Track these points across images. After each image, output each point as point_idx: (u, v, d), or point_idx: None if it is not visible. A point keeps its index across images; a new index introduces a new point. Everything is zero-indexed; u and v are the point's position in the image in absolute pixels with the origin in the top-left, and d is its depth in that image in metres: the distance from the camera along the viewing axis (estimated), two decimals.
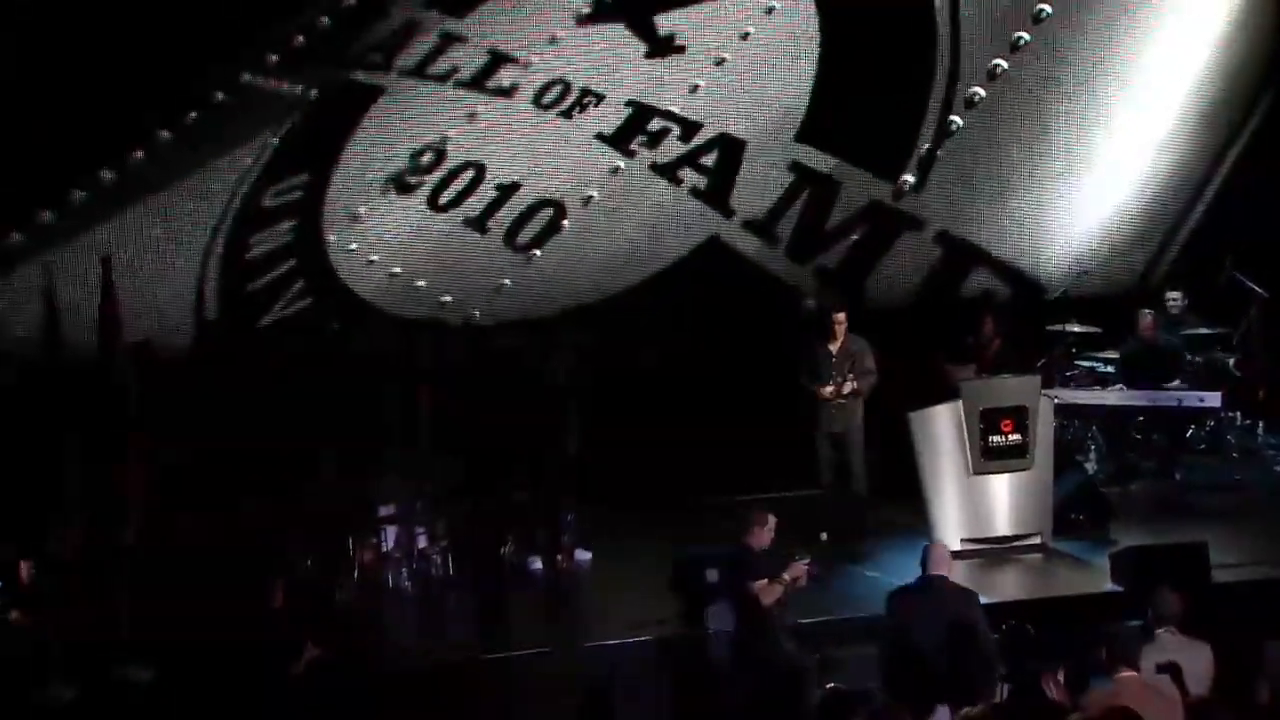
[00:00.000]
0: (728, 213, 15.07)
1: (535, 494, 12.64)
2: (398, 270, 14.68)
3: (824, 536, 12.09)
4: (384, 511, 12.30)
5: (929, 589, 9.62)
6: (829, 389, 12.32)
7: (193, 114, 14.33)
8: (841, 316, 12.46)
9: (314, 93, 14.63)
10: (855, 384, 12.29)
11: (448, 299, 14.67)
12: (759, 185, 15.07)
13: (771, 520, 9.91)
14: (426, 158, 14.80)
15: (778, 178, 15.07)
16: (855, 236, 15.08)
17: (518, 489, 12.68)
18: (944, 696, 8.64)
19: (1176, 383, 13.76)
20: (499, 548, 12.42)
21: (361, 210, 14.66)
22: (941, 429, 11.98)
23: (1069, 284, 14.52)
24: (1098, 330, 14.00)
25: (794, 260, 15.07)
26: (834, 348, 12.48)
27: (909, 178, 15.13)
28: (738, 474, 13.07)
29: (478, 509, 12.44)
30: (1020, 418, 11.92)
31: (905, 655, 9.33)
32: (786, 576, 9.75)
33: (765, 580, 9.68)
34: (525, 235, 14.91)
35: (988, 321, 13.40)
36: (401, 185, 14.73)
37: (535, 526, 12.64)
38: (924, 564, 9.68)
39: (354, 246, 14.62)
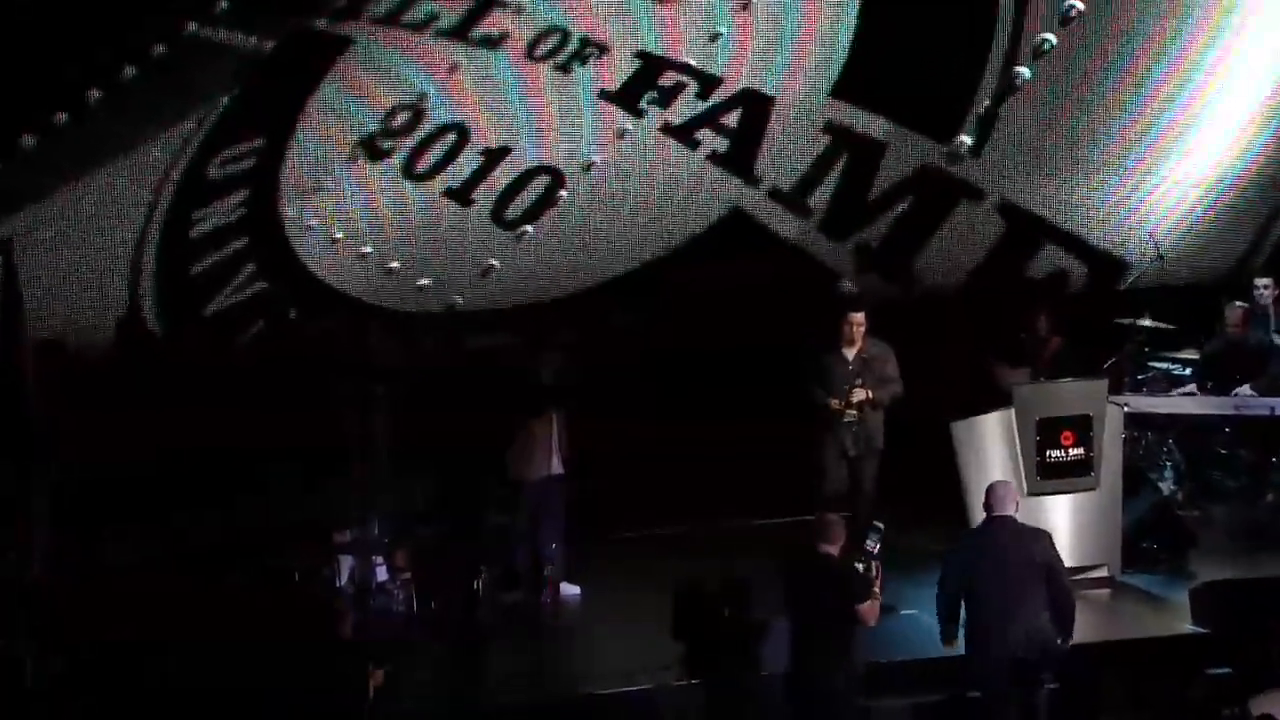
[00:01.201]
0: (752, 181, 14.91)
1: (515, 517, 12.42)
2: (368, 250, 14.65)
3: None
4: (337, 538, 12.01)
5: (996, 531, 9.68)
6: (835, 403, 11.91)
7: (127, 70, 14.48)
8: (860, 318, 11.98)
9: (269, 45, 14.81)
10: (869, 393, 11.84)
11: (425, 283, 14.59)
12: (789, 149, 14.94)
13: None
14: (401, 119, 14.85)
15: (811, 140, 14.92)
16: (902, 208, 14.85)
17: (494, 511, 12.48)
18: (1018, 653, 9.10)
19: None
20: (472, 581, 11.89)
21: (325, 180, 14.75)
22: (990, 442, 11.73)
23: (1142, 271, 14.32)
24: (1175, 326, 13.73)
25: (830, 236, 14.87)
26: (849, 353, 12.03)
27: (965, 139, 14.83)
28: (753, 493, 12.96)
29: (447, 535, 12.24)
30: (1083, 429, 11.70)
31: (975, 611, 9.49)
32: (879, 591, 9.68)
33: (869, 601, 9.61)
34: (516, 209, 14.82)
35: (1045, 315, 13.23)
36: (372, 151, 14.76)
37: (515, 556, 12.41)
38: (988, 504, 9.74)
39: (315, 222, 14.70)
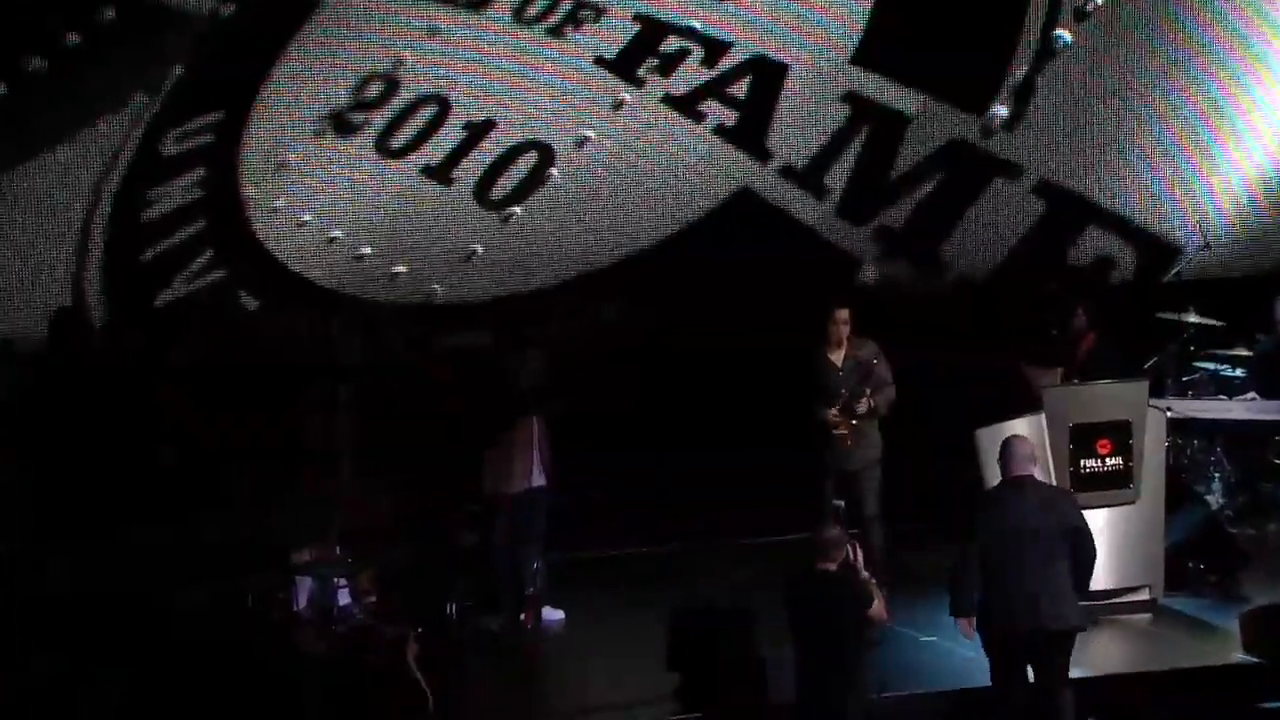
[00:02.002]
0: (763, 157, 14.89)
1: (493, 534, 12.31)
2: (337, 234, 14.65)
3: None
4: (295, 558, 11.70)
5: (1016, 493, 9.79)
6: (834, 412, 11.74)
7: (73, 37, 14.66)
8: (845, 315, 11.83)
9: (229, 8, 14.94)
10: (872, 401, 11.76)
11: (401, 271, 14.59)
12: (804, 122, 14.92)
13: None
14: (374, 89, 14.94)
15: (828, 112, 14.91)
16: (929, 188, 14.78)
17: (470, 527, 12.45)
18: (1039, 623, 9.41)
19: None
20: (444, 606, 11.83)
21: (290, 158, 14.83)
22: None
23: (1188, 261, 14.13)
24: (1223, 323, 13.60)
25: (849, 219, 14.80)
26: (836, 357, 11.92)
27: (1000, 111, 14.78)
28: (755, 508, 12.96)
29: (417, 554, 12.21)
30: (1121, 436, 11.63)
31: (993, 579, 9.64)
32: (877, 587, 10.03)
33: (875, 601, 9.85)
34: (502, 189, 14.81)
35: (1080, 309, 13.08)
36: (342, 125, 14.84)
37: (493, 577, 12.30)
38: (1004, 464, 9.89)
39: (280, 203, 14.78)
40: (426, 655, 10.84)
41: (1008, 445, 9.96)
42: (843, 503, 11.75)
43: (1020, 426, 11.39)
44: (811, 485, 11.97)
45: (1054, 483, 11.26)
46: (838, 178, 14.80)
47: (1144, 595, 11.74)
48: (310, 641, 11.40)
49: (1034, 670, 9.68)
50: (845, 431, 11.71)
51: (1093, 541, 9.87)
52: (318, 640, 11.34)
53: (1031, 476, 9.88)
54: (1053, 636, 9.58)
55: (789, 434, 12.23)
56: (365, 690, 10.77)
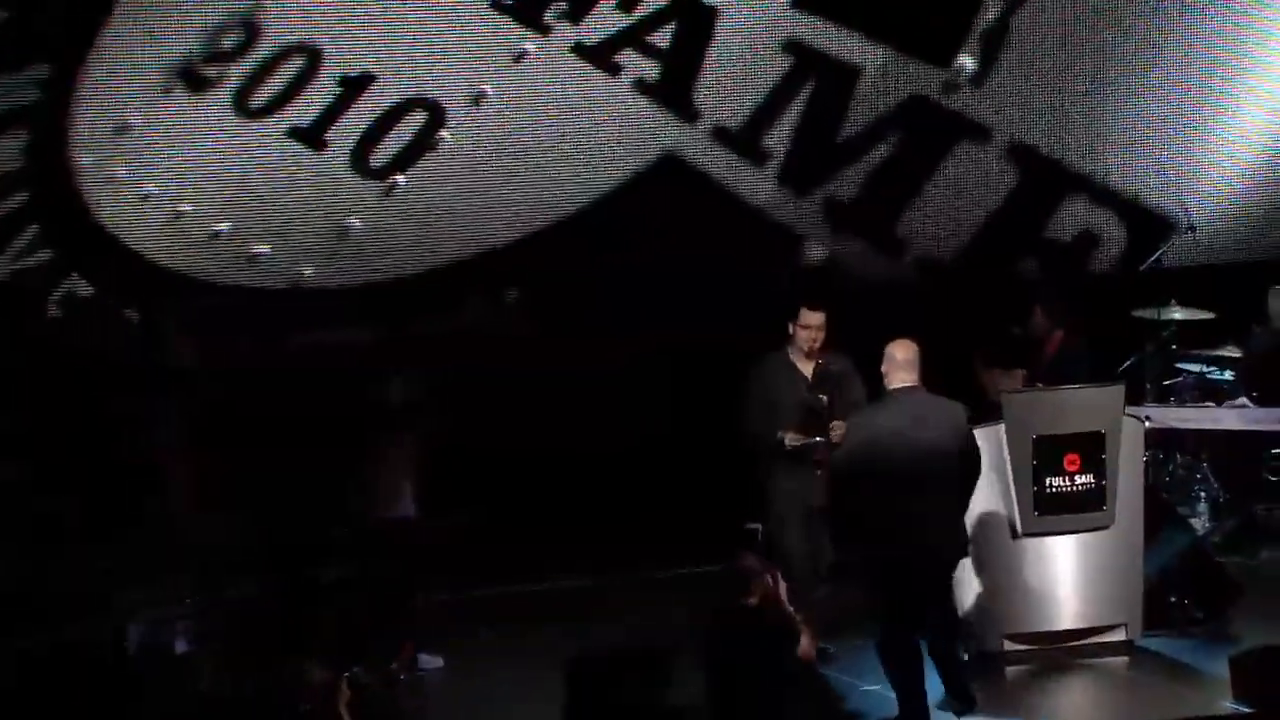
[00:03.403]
0: (690, 116, 14.73)
1: (359, 568, 12.14)
2: (187, 208, 14.43)
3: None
4: (127, 600, 11.90)
5: (900, 405, 10.14)
6: (793, 438, 11.33)
7: None
8: (819, 319, 11.43)
9: None
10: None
11: (263, 250, 14.49)
12: (738, 76, 14.75)
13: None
14: (231, 38, 14.63)
15: (766, 63, 14.75)
16: (883, 153, 14.75)
17: (332, 560, 12.25)
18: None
19: None
20: (301, 654, 10.94)
21: (131, 119, 14.50)
22: None
23: (1168, 245, 14.21)
24: (1210, 316, 13.69)
25: (791, 188, 14.74)
26: (806, 369, 11.57)
27: (967, 62, 14.74)
28: (671, 535, 13.03)
29: (269, 593, 12.16)
30: (1093, 450, 11.49)
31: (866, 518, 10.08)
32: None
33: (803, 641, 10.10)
34: (383, 153, 14.60)
35: (1042, 304, 13.18)
36: (193, 79, 14.50)
37: (358, 620, 11.99)
38: (887, 373, 10.21)
39: (119, 173, 14.54)
40: (359, 701, 10.55)
41: (889, 353, 10.21)
42: (759, 526, 11.55)
43: (977, 438, 11.14)
44: (737, 513, 11.74)
45: (1015, 506, 11.33)
46: (778, 141, 14.76)
47: (1119, 635, 11.65)
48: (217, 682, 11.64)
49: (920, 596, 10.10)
50: (821, 458, 11.40)
51: (980, 458, 10.38)
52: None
53: (919, 387, 10.17)
54: (944, 563, 10.11)
55: (714, 453, 12.22)
56: None
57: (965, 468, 10.26)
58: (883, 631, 10.18)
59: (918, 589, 10.12)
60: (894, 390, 10.19)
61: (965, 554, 10.35)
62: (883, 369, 10.25)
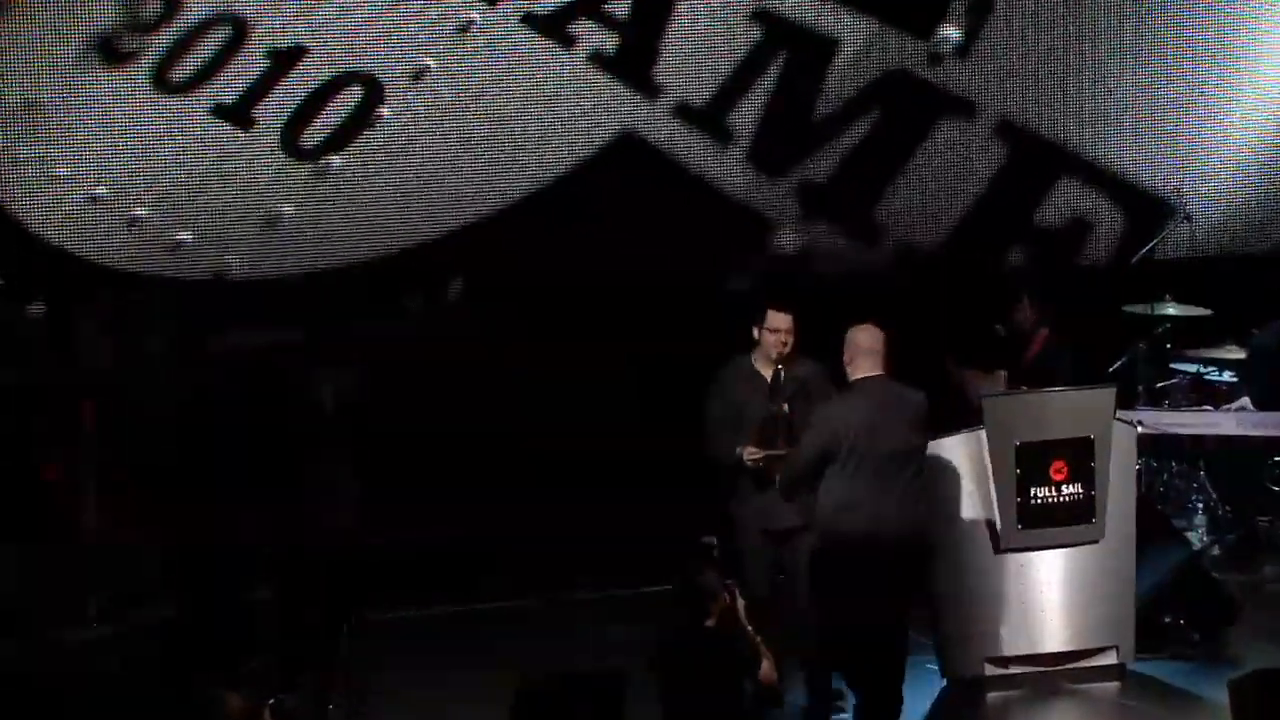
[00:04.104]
0: (651, 92, 14.71)
1: (286, 591, 12.26)
2: (102, 192, 14.35)
3: None
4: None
5: (867, 395, 10.17)
6: (751, 452, 10.99)
7: None
8: (786, 321, 11.06)
9: None
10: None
11: (186, 238, 14.34)
12: (703, 48, 14.74)
13: None
14: (151, 7, 14.47)
15: (734, 35, 14.74)
16: (862, 131, 14.73)
17: (256, 582, 12.38)
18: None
19: None
20: (220, 680, 10.25)
21: (41, 95, 14.43)
22: (950, 476, 11.46)
23: (1161, 236, 14.31)
24: (1207, 313, 13.78)
25: (760, 170, 14.74)
26: (768, 374, 11.25)
27: (951, 33, 14.78)
28: (621, 552, 13.02)
29: (184, 618, 12.17)
30: (1081, 457, 11.44)
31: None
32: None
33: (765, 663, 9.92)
34: (316, 132, 14.49)
35: (1026, 299, 13.19)
36: (109, 51, 14.37)
37: (285, 643, 11.93)
38: (851, 360, 10.26)
39: (28, 153, 14.43)
40: None
41: (852, 340, 10.26)
42: (714, 539, 10.96)
43: (954, 446, 11.36)
44: (691, 525, 11.09)
45: (996, 519, 11.29)
46: (746, 119, 14.74)
47: (1110, 659, 11.60)
48: None
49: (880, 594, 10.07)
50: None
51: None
52: None
53: (884, 376, 10.22)
54: (909, 560, 10.08)
55: (669, 464, 12.23)
56: None
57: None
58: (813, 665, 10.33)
59: (878, 600, 10.00)
60: (858, 380, 10.18)
61: (930, 554, 10.39)
62: (845, 358, 10.22)
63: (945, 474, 11.45)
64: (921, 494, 10.31)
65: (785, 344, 11.02)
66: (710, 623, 9.81)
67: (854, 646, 10.24)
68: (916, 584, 10.51)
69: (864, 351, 10.23)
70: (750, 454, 10.98)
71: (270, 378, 13.44)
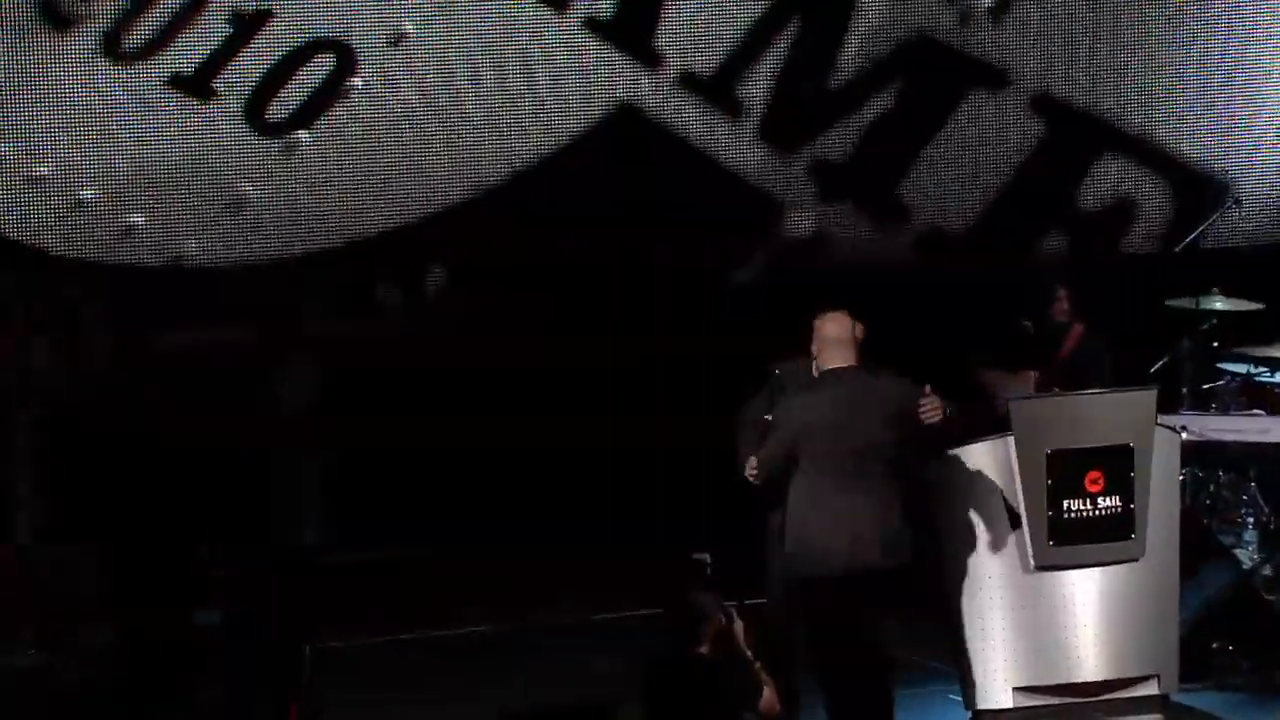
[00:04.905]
0: (650, 60, 14.59)
1: (240, 615, 11.89)
2: (44, 172, 14.17)
3: None
4: None
5: (836, 386, 10.20)
6: (752, 464, 11.01)
7: None
8: (850, 327, 10.92)
9: None
10: None
11: (138, 222, 14.20)
12: (708, 11, 14.65)
13: None
14: None
15: None
16: (884, 103, 14.70)
17: (206, 601, 11.99)
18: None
19: None
20: (167, 713, 11.39)
21: None
22: (974, 487, 11.26)
23: (1210, 221, 14.30)
24: (1259, 307, 13.69)
25: (773, 145, 14.66)
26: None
27: None
28: (604, 577, 13.16)
29: (126, 643, 11.88)
30: (1119, 467, 11.16)
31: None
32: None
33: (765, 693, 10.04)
34: (283, 106, 14.34)
35: (1061, 291, 13.18)
36: (52, 15, 14.19)
37: (237, 672, 11.59)
38: (820, 352, 10.32)
39: None
40: None
41: (821, 330, 10.29)
42: (707, 556, 11.17)
43: (978, 454, 11.13)
44: (683, 541, 11.33)
45: (1026, 535, 11.03)
46: (757, 90, 14.65)
47: (1151, 689, 11.27)
48: None
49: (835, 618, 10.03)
50: None
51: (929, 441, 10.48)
52: None
53: (855, 367, 10.24)
54: (880, 569, 9.99)
55: (659, 471, 12.69)
56: None
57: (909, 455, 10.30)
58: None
59: (845, 614, 9.98)
60: (825, 372, 10.22)
61: (906, 557, 10.20)
62: (813, 349, 10.25)
63: (968, 485, 11.28)
64: (898, 495, 10.15)
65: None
66: (704, 649, 9.70)
67: (831, 671, 10.13)
68: (895, 597, 10.29)
69: (831, 342, 10.25)
70: (751, 468, 10.96)
71: (226, 376, 13.50)
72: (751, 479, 11.09)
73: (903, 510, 10.30)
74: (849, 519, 10.07)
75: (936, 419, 10.27)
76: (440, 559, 13.43)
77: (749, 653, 10.04)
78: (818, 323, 10.37)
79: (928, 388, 10.30)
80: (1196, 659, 11.67)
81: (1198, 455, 13.00)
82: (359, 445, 13.15)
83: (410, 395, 13.79)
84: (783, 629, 10.64)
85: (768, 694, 9.96)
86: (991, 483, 11.20)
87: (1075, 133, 14.91)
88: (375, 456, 13.27)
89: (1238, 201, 14.38)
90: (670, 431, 13.56)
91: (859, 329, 11.30)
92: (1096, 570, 11.25)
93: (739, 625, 10.09)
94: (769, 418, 11.29)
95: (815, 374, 10.33)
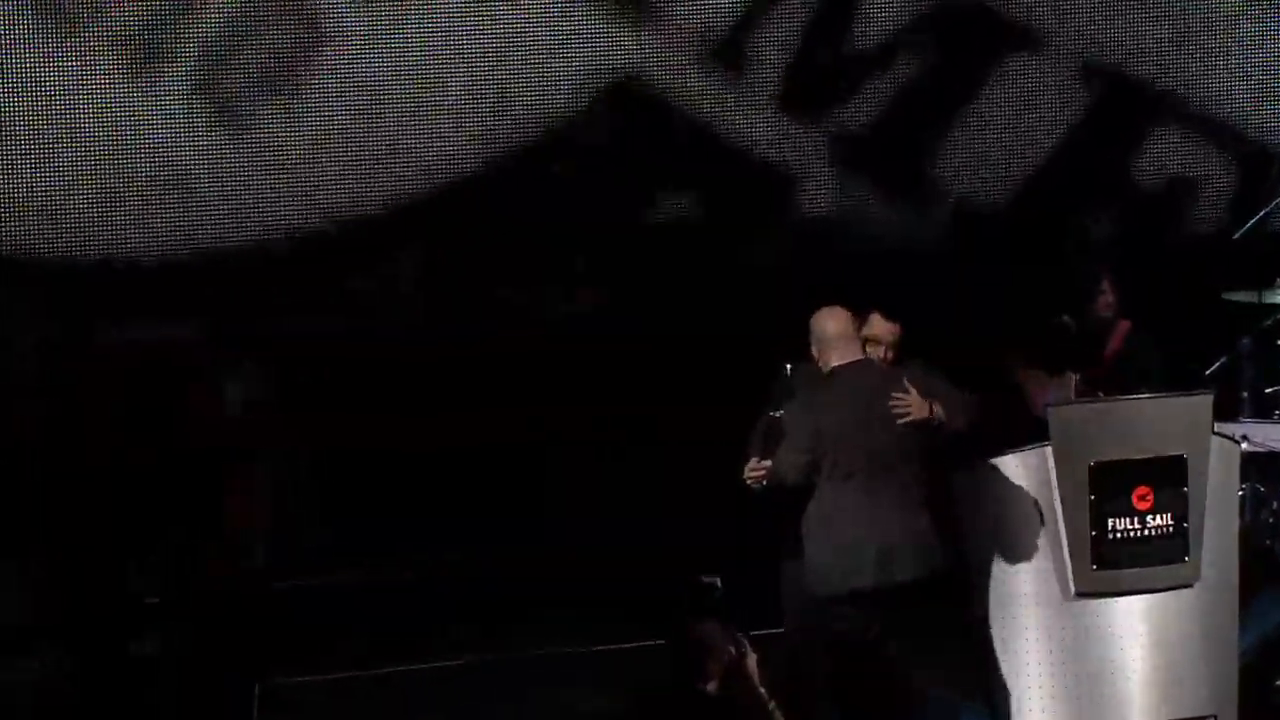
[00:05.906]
0: (653, 21, 14.50)
1: (179, 646, 12.33)
2: None
3: None
4: None
5: (849, 382, 10.24)
6: (753, 468, 11.03)
7: None
8: (893, 330, 11.07)
9: None
10: None
11: (69, 209, 13.98)
12: None
13: None
14: None
15: None
16: (910, 67, 14.68)
17: (143, 636, 12.35)
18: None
19: None
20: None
21: None
22: (1009, 502, 11.11)
23: (1275, 204, 14.21)
24: None
25: (788, 111, 14.55)
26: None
27: None
28: (598, 605, 12.95)
29: (58, 675, 12.15)
30: (1171, 480, 11.05)
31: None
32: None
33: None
34: (236, 72, 14.01)
35: (1106, 284, 13.13)
36: None
37: (176, 707, 12.10)
38: (822, 351, 10.39)
39: None
40: None
41: (820, 323, 10.34)
42: (717, 580, 10.79)
43: (1013, 465, 11.00)
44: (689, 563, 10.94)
45: (1066, 556, 10.86)
46: (767, 52, 14.48)
47: None
48: None
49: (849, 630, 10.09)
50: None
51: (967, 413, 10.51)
52: None
53: (864, 359, 10.29)
54: (904, 584, 10.04)
55: (662, 482, 12.71)
56: None
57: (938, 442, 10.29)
58: None
59: (862, 636, 10.01)
60: (833, 370, 10.23)
61: (943, 564, 10.23)
62: (813, 351, 10.30)
63: (1002, 500, 11.09)
64: (928, 498, 10.20)
65: (885, 358, 11.17)
66: (711, 685, 9.65)
67: (855, 707, 10.18)
68: (925, 616, 10.28)
69: (832, 338, 10.28)
70: (751, 469, 10.95)
71: (163, 382, 13.41)
72: (750, 483, 10.96)
73: (934, 514, 10.24)
74: (876, 527, 10.07)
75: (910, 419, 10.17)
76: (413, 580, 13.39)
77: (762, 690, 9.89)
78: (813, 321, 10.42)
79: (906, 381, 10.19)
80: (1259, 698, 11.57)
81: (1259, 468, 12.96)
82: (320, 450, 13.15)
83: (368, 399, 13.64)
84: (800, 658, 10.58)
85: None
86: (1027, 498, 11.00)
87: (1125, 104, 14.88)
88: (337, 462, 13.26)
89: None
90: (669, 432, 13.52)
91: (895, 329, 11.25)
92: (1145, 598, 11.10)
93: (752, 658, 9.89)
94: (777, 415, 11.03)
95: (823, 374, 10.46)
